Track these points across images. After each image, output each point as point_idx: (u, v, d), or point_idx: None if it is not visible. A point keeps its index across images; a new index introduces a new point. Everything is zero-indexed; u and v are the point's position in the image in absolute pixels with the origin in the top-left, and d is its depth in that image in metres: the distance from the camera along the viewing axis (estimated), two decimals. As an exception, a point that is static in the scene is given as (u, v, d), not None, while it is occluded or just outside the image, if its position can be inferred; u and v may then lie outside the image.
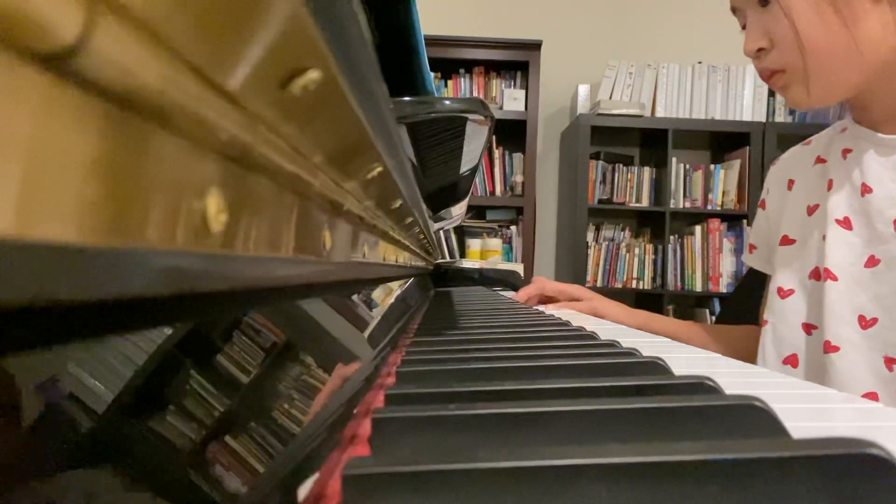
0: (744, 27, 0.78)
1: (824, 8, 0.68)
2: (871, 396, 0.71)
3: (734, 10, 0.79)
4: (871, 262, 0.73)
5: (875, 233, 0.74)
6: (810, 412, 0.31)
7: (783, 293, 0.83)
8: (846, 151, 0.80)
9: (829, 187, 0.79)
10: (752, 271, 0.97)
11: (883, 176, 0.74)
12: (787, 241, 0.85)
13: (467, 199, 1.06)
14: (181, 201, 0.12)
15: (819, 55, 0.70)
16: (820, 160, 0.84)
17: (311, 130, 0.19)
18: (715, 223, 3.00)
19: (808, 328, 0.79)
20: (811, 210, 0.83)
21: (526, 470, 0.17)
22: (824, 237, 0.77)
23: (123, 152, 0.10)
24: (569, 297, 1.08)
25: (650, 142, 3.07)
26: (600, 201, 3.01)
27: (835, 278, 0.75)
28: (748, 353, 0.93)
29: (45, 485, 0.11)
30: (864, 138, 0.77)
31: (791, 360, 0.80)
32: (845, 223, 0.77)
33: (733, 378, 0.42)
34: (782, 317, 0.82)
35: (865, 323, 0.72)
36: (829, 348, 0.74)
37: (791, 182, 0.88)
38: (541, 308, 1.00)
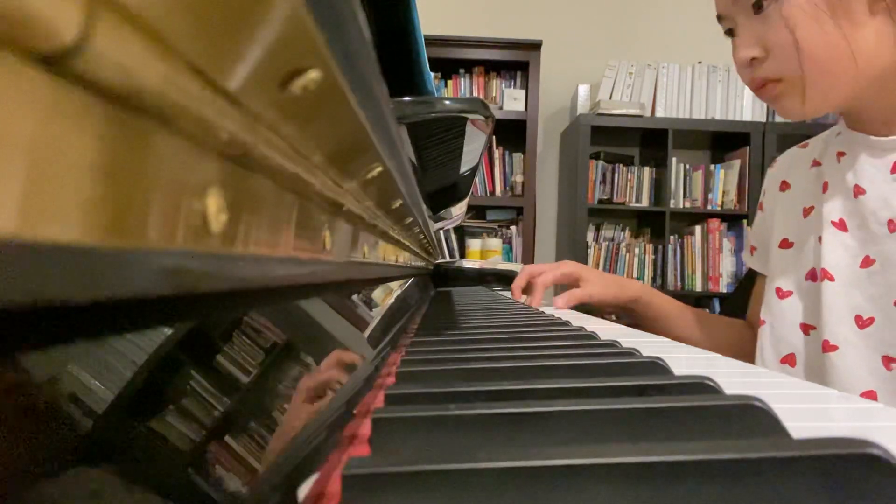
0: (727, 33, 0.77)
1: (823, 18, 0.68)
2: (871, 395, 0.71)
3: (720, 18, 0.78)
4: (867, 262, 0.74)
5: (869, 234, 0.74)
6: (810, 412, 0.31)
7: (781, 294, 0.83)
8: (840, 154, 0.80)
9: (825, 190, 0.80)
10: (751, 271, 0.98)
11: (876, 177, 0.75)
12: (786, 244, 0.86)
13: (467, 199, 1.06)
14: (181, 201, 0.12)
15: (818, 64, 0.69)
16: (816, 163, 0.85)
17: (311, 130, 0.19)
18: (715, 223, 3.00)
19: (807, 328, 0.80)
20: (806, 212, 0.83)
21: (526, 470, 0.17)
22: (820, 239, 0.78)
23: (124, 152, 0.10)
24: (562, 276, 1.09)
25: (650, 142, 3.07)
26: (600, 201, 3.01)
27: (832, 278, 0.75)
28: (729, 344, 0.97)
29: (45, 485, 0.11)
30: (857, 141, 0.78)
31: (789, 360, 0.81)
32: (840, 225, 0.77)
33: (733, 378, 0.42)
34: (780, 317, 0.82)
35: (862, 322, 0.73)
36: (827, 347, 0.74)
37: (784, 183, 0.89)
38: (541, 308, 1.00)
